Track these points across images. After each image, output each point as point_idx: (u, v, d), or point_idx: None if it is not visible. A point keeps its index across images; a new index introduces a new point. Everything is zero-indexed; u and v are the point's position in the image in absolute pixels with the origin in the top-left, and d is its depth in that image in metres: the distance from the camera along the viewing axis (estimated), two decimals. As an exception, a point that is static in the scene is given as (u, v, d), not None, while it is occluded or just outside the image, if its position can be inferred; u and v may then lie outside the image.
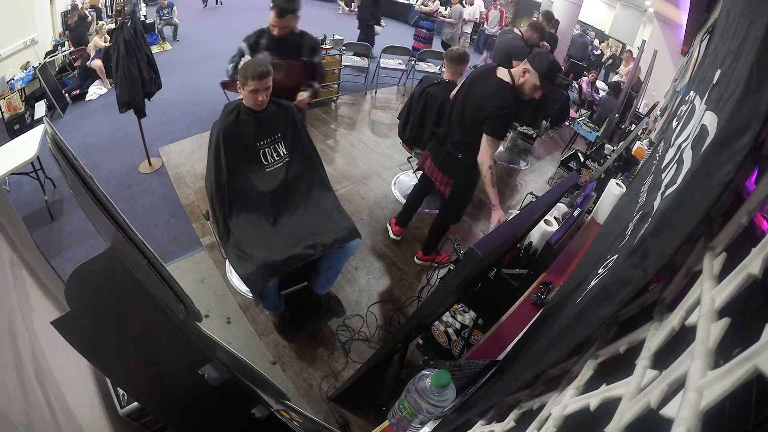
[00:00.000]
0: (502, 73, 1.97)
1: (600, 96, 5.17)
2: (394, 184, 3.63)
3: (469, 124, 2.04)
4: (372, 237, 2.98)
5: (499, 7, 7.83)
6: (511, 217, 1.89)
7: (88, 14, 5.67)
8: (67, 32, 5.45)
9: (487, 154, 1.97)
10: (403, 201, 3.36)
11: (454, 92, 2.29)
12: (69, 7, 5.45)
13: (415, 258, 2.84)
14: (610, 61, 7.51)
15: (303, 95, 2.39)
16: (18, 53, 4.65)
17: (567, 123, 4.92)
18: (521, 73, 1.91)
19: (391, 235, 2.98)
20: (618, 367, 0.54)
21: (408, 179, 3.67)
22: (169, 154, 3.72)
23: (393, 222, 3.00)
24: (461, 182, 2.29)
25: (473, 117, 2.01)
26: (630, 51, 5.87)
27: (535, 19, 6.27)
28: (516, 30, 3.88)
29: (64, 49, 5.32)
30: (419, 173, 2.71)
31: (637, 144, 2.91)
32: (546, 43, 3.99)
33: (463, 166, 2.18)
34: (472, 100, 2.04)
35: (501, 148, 4.45)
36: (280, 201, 1.92)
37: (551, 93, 3.34)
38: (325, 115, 4.79)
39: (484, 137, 1.96)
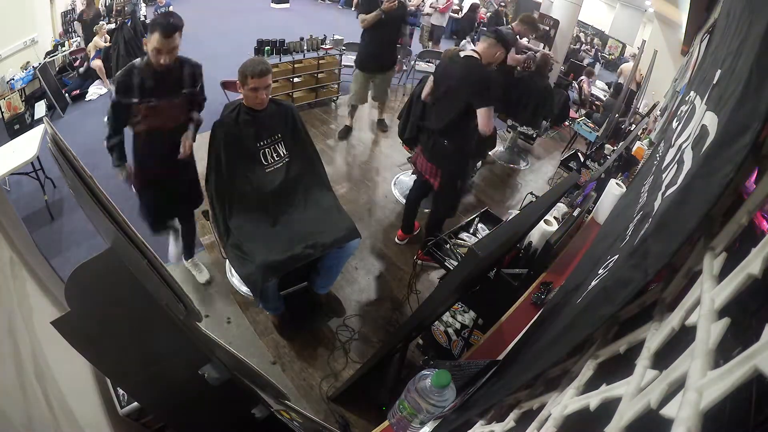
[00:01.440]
0: (467, 52, 2.13)
1: (606, 99, 5.15)
2: (394, 184, 3.63)
3: (454, 109, 2.15)
4: (372, 237, 2.98)
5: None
6: (511, 217, 1.89)
7: (102, 13, 5.66)
8: (81, 29, 5.42)
9: (486, 121, 2.09)
10: (403, 201, 3.37)
11: (426, 90, 2.39)
12: (69, 7, 5.44)
13: (415, 257, 2.84)
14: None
15: (187, 139, 1.95)
16: (18, 53, 4.64)
17: (567, 123, 4.92)
18: (483, 48, 2.11)
19: (396, 240, 2.99)
20: (618, 367, 0.54)
21: (408, 179, 3.67)
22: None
23: (400, 231, 3.02)
24: (449, 171, 2.35)
25: (457, 99, 2.13)
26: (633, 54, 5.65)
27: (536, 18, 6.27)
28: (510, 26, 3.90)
29: (64, 49, 5.32)
30: (415, 176, 2.74)
31: (637, 144, 2.91)
32: (544, 49, 4.02)
33: (449, 153, 2.26)
34: (451, 86, 2.16)
35: (501, 148, 4.45)
36: (279, 201, 1.92)
37: (514, 62, 3.60)
38: (325, 115, 4.79)
39: (479, 110, 2.07)
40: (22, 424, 0.88)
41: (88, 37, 5.41)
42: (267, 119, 1.90)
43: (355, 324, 2.31)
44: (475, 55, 2.10)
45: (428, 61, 5.69)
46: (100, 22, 5.54)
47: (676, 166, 0.75)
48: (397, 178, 3.71)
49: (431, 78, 2.33)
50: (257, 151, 1.90)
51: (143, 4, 6.96)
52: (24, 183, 3.16)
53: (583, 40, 8.62)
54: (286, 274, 1.80)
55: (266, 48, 4.23)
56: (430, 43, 6.98)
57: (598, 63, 8.36)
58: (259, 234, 1.82)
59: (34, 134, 3.11)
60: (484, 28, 6.67)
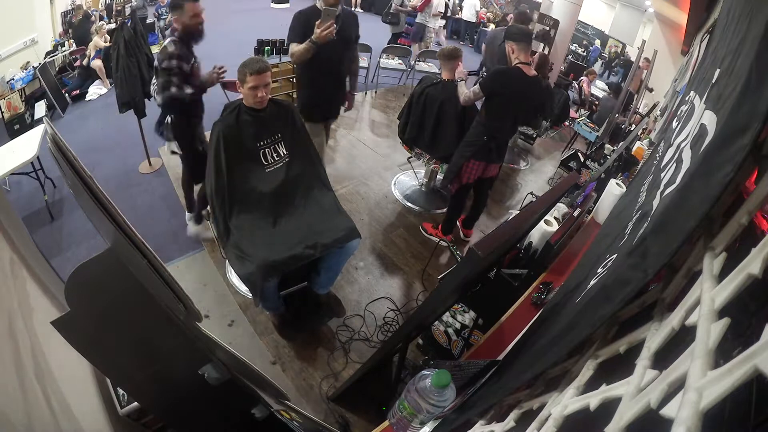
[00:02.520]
0: (530, 71, 2.25)
1: (602, 97, 5.16)
2: (394, 184, 3.63)
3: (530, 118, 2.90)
4: (372, 237, 2.98)
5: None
6: (511, 217, 1.89)
7: (91, 14, 5.67)
8: (70, 30, 5.43)
9: None
10: (403, 201, 3.41)
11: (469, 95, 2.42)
12: (69, 7, 5.44)
13: (428, 233, 3.03)
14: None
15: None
16: (18, 53, 4.64)
17: (567, 123, 4.92)
18: (522, 57, 2.22)
19: (464, 237, 3.08)
20: (618, 367, 0.54)
21: (408, 179, 3.67)
22: (169, 154, 3.72)
23: (461, 227, 3.10)
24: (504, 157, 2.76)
25: (539, 111, 2.80)
26: (647, 58, 5.43)
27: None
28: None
29: (64, 49, 5.32)
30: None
31: (637, 144, 2.91)
32: (543, 50, 4.02)
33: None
34: (530, 104, 2.48)
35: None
36: (280, 201, 1.92)
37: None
38: (325, 115, 4.78)
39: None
40: (22, 424, 0.88)
41: (79, 41, 5.42)
42: (267, 119, 1.90)
43: (355, 324, 2.31)
44: (534, 71, 2.27)
45: (428, 62, 5.69)
46: (100, 22, 5.55)
47: (674, 164, 0.75)
48: (397, 178, 3.70)
49: (477, 88, 2.35)
50: (257, 150, 1.90)
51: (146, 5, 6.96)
52: (24, 183, 3.16)
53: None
54: (286, 274, 1.80)
55: (266, 48, 4.23)
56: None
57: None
58: (259, 234, 1.82)
59: (34, 134, 3.11)
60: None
